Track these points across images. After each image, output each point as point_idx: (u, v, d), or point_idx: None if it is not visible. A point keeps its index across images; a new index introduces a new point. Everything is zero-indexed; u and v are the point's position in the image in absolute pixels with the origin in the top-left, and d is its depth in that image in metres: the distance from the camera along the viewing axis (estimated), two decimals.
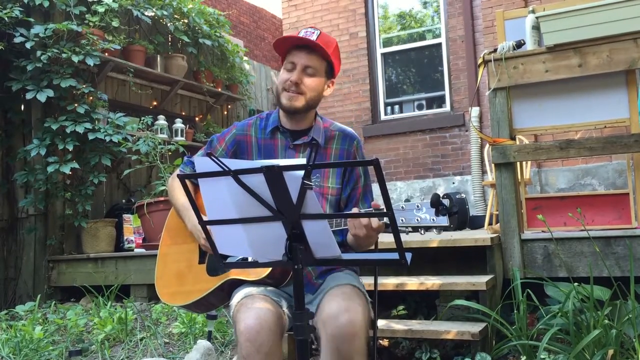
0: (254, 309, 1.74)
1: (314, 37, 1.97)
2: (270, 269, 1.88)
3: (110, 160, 4.86)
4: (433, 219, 1.58)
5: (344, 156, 2.07)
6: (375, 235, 1.72)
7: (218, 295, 2.03)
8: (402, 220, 1.60)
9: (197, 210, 1.49)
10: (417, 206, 1.61)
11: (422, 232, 1.61)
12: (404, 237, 1.46)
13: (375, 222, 1.68)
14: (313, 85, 2.00)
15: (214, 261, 2.03)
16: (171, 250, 2.17)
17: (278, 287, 1.97)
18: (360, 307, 1.76)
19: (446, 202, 1.58)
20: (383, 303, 3.57)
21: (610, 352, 2.54)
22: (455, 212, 1.56)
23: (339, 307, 1.70)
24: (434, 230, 1.60)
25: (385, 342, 3.28)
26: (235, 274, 1.97)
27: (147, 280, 4.30)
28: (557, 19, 3.28)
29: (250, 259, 1.73)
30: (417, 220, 1.59)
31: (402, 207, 1.63)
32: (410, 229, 1.62)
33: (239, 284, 1.98)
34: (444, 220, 1.57)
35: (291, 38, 2.00)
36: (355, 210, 1.76)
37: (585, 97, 3.38)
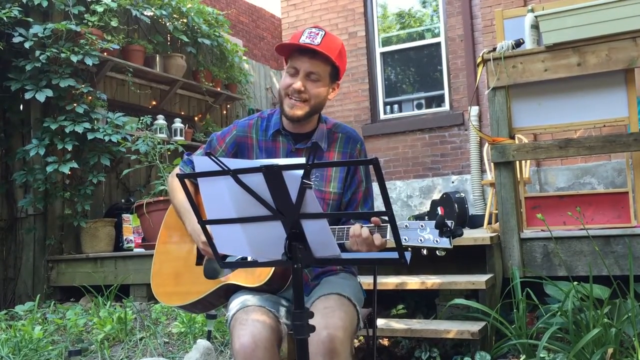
0: (248, 325, 1.74)
1: (317, 40, 1.89)
2: (268, 276, 1.87)
3: (110, 160, 4.85)
4: (436, 240, 1.55)
5: (347, 159, 2.04)
6: (376, 252, 1.69)
7: (216, 297, 2.02)
8: (405, 239, 1.57)
9: (198, 211, 1.49)
10: (421, 226, 1.58)
11: (425, 252, 1.59)
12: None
13: (378, 238, 1.65)
14: (317, 92, 1.94)
15: (212, 264, 2.02)
16: (168, 248, 2.15)
17: (276, 293, 1.96)
18: (341, 321, 1.75)
19: (451, 223, 1.55)
20: (383, 302, 3.57)
21: (610, 350, 2.55)
22: (460, 235, 1.54)
23: (318, 323, 1.67)
24: (437, 252, 1.58)
25: (385, 342, 3.28)
26: (232, 279, 1.95)
27: (146, 280, 4.28)
28: (556, 18, 3.28)
29: (249, 259, 1.73)
30: (421, 240, 1.57)
31: (406, 225, 1.60)
32: (410, 250, 1.60)
33: (236, 288, 1.96)
34: (447, 243, 1.54)
35: (293, 45, 1.92)
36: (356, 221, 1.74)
37: (584, 96, 3.38)
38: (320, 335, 1.69)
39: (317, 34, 1.91)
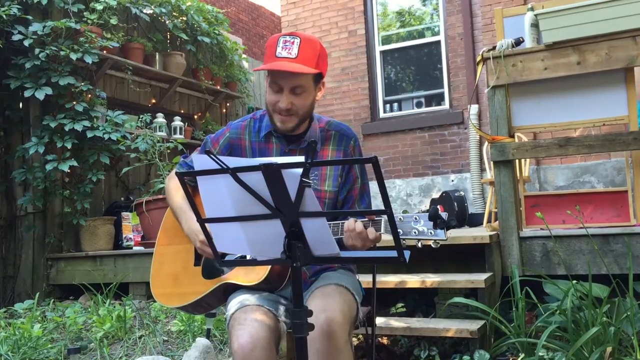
0: (247, 325, 1.74)
1: (294, 51, 1.83)
2: (266, 274, 1.87)
3: (109, 158, 4.85)
4: (431, 232, 1.56)
5: (341, 157, 2.03)
6: (371, 246, 1.69)
7: (214, 297, 2.02)
8: (400, 232, 1.57)
9: (197, 209, 1.48)
10: (415, 218, 1.58)
11: (420, 245, 1.59)
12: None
13: (372, 232, 1.65)
14: (304, 104, 1.91)
15: (210, 264, 2.02)
16: (167, 250, 2.15)
17: (274, 291, 1.96)
18: (339, 304, 1.76)
19: (444, 215, 1.55)
20: (382, 300, 3.57)
21: (609, 349, 2.55)
22: (454, 226, 1.55)
23: (316, 307, 1.69)
24: (432, 243, 1.58)
25: (384, 340, 3.28)
26: (230, 278, 1.95)
27: (145, 278, 4.29)
28: (556, 17, 3.28)
29: (248, 257, 1.73)
30: (415, 232, 1.57)
31: (400, 218, 1.59)
32: (405, 243, 1.59)
33: (234, 287, 1.97)
34: (441, 234, 1.55)
35: (270, 68, 1.85)
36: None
37: (584, 95, 3.38)
38: (318, 317, 1.68)
39: (293, 43, 1.84)
